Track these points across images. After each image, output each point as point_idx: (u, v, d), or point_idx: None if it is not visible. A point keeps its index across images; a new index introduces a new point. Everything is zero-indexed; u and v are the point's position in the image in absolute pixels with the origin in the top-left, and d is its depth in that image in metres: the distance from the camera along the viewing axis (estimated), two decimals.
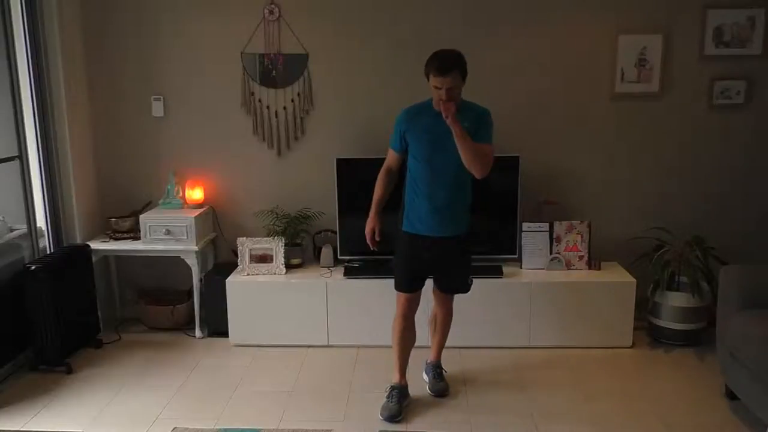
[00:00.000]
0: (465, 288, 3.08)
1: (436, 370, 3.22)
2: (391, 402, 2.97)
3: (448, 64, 2.67)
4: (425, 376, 3.25)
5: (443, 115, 2.67)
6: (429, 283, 3.05)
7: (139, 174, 4.02)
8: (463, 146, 2.69)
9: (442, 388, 3.17)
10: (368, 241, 3.02)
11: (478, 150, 2.72)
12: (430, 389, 3.17)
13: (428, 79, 2.74)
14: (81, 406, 3.08)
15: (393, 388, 3.01)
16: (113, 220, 3.88)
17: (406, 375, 3.07)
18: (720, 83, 3.73)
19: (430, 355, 3.26)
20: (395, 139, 2.94)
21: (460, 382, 3.27)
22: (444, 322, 3.16)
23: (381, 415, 2.95)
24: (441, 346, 3.23)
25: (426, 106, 2.86)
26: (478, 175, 2.76)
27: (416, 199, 2.90)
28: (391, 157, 2.99)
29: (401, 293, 2.99)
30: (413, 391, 3.09)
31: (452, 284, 3.07)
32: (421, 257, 2.94)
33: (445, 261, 2.96)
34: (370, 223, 3.01)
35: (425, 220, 2.89)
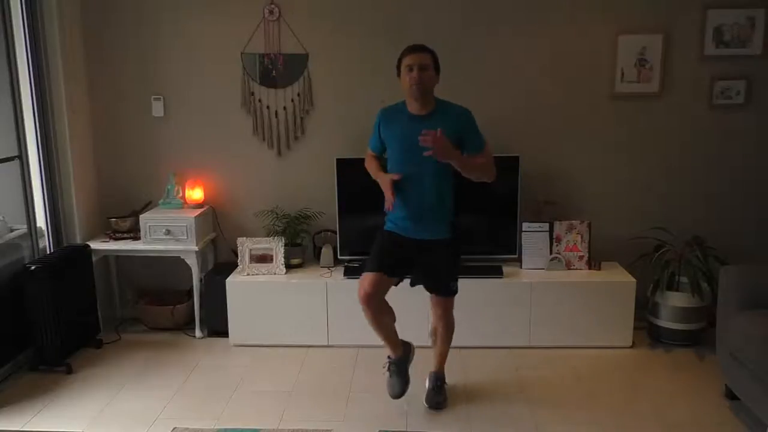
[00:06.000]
0: (447, 291, 2.93)
1: (436, 381, 3.07)
2: (393, 377, 3.01)
3: (420, 45, 2.75)
4: (427, 383, 3.11)
5: (433, 154, 2.59)
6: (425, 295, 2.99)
7: (139, 174, 4.02)
8: (466, 171, 2.72)
9: (438, 401, 3.02)
10: (389, 196, 2.73)
11: (480, 167, 2.75)
12: (426, 402, 3.04)
13: (399, 74, 2.77)
14: (81, 406, 3.08)
15: (391, 363, 3.03)
16: (113, 220, 3.88)
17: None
18: (720, 83, 3.73)
19: (433, 365, 3.12)
20: (374, 141, 2.95)
21: (460, 382, 3.27)
22: (444, 333, 3.03)
23: (388, 392, 3.00)
24: (444, 356, 3.10)
25: (400, 109, 2.83)
26: (489, 181, 2.80)
27: (395, 202, 2.80)
28: (371, 157, 3.00)
29: (366, 273, 2.80)
30: (415, 390, 3.08)
31: (433, 283, 2.93)
32: (399, 247, 2.84)
33: (425, 259, 2.85)
34: (384, 180, 2.79)
35: (401, 223, 2.85)
